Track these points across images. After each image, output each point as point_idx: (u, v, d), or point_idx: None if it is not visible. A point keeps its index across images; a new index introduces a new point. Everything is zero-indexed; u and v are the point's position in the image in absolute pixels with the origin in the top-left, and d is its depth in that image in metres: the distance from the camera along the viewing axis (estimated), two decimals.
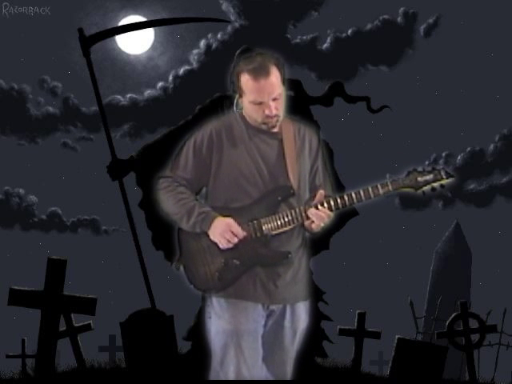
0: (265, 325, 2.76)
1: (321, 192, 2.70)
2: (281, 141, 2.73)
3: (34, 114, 16.72)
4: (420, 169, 2.68)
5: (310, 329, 2.89)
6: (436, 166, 2.69)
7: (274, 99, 2.64)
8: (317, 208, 2.66)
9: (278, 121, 2.69)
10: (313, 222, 2.68)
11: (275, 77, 2.63)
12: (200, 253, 2.72)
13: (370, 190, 2.65)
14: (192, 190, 2.77)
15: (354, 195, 2.66)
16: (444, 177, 2.67)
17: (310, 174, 2.80)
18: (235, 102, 2.76)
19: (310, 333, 2.91)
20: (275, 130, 2.73)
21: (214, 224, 2.66)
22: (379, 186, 2.66)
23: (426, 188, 2.67)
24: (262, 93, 2.62)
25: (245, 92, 2.66)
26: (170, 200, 2.74)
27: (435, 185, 2.67)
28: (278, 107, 2.66)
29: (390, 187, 2.66)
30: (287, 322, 2.78)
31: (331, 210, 2.67)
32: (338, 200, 2.66)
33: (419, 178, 2.66)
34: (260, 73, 2.60)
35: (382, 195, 2.67)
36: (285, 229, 2.69)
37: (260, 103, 2.64)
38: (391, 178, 2.68)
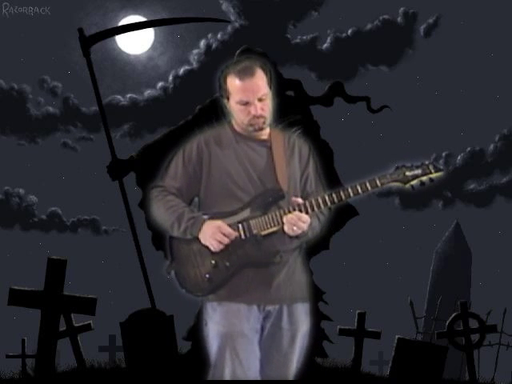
0: (262, 329, 2.74)
1: (293, 199, 2.67)
2: (270, 148, 2.75)
3: (34, 114, 16.73)
4: (408, 164, 2.66)
5: (310, 329, 2.87)
6: (424, 162, 2.67)
7: (260, 100, 2.67)
8: (289, 213, 2.64)
9: (264, 123, 2.71)
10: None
11: (260, 78, 2.68)
12: (190, 256, 2.73)
13: (358, 186, 2.63)
14: (183, 199, 2.78)
15: (341, 192, 2.63)
16: (433, 171, 2.64)
17: (300, 181, 2.79)
18: (224, 106, 2.79)
19: (310, 333, 2.88)
20: (264, 136, 2.76)
21: (203, 227, 2.67)
22: (367, 182, 2.64)
23: (415, 182, 2.65)
24: (248, 92, 2.66)
25: (231, 93, 2.70)
26: (161, 208, 2.76)
27: (424, 179, 2.65)
28: (263, 108, 2.68)
29: (378, 182, 2.63)
30: (285, 324, 2.75)
31: (307, 212, 2.64)
32: (325, 198, 2.64)
33: (407, 173, 2.64)
34: (245, 73, 2.66)
35: (371, 191, 2.64)
36: (273, 229, 2.67)
37: (246, 103, 2.67)
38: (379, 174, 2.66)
